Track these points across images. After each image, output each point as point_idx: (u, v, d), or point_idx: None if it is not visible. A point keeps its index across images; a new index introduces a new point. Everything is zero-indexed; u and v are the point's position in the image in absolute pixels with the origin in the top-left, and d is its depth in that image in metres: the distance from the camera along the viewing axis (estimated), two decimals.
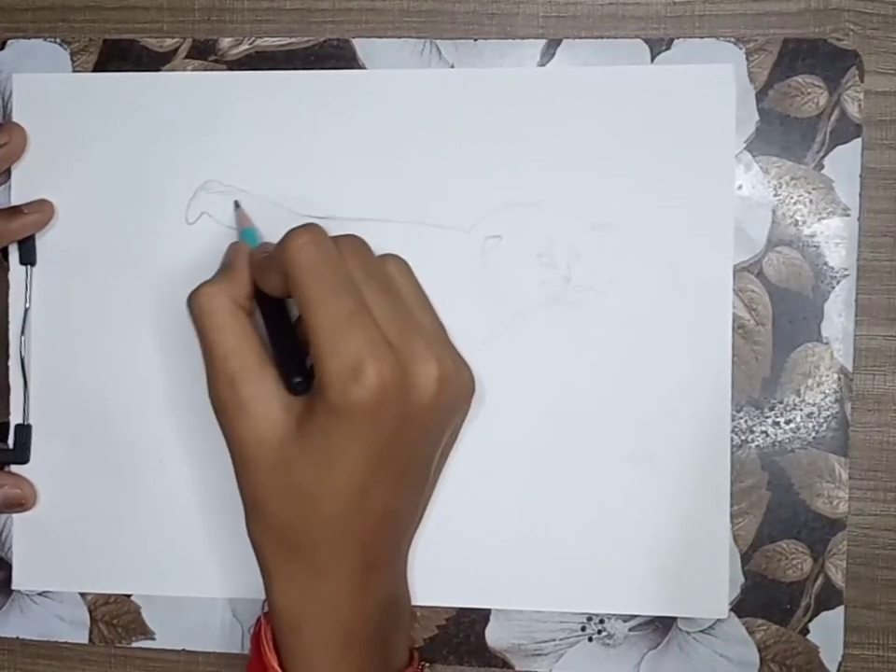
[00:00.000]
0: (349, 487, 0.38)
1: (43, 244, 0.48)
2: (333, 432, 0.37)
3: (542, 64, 0.46)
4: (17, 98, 0.48)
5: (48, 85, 0.48)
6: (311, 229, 0.39)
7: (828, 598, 0.45)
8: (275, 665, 0.41)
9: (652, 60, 0.45)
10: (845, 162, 0.45)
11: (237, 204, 0.46)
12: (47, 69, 0.48)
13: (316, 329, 0.37)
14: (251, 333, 0.40)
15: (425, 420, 0.39)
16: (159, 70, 0.47)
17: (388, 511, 0.40)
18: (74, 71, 0.48)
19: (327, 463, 0.38)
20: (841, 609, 0.45)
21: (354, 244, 0.40)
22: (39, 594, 0.49)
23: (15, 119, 0.48)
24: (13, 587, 0.49)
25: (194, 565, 0.48)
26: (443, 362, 0.39)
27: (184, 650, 0.49)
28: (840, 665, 0.46)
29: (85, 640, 0.49)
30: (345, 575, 0.40)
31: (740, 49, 0.45)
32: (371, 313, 0.38)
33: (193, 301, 0.41)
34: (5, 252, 0.48)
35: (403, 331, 0.38)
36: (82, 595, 0.49)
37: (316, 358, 0.37)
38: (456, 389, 0.40)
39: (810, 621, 0.46)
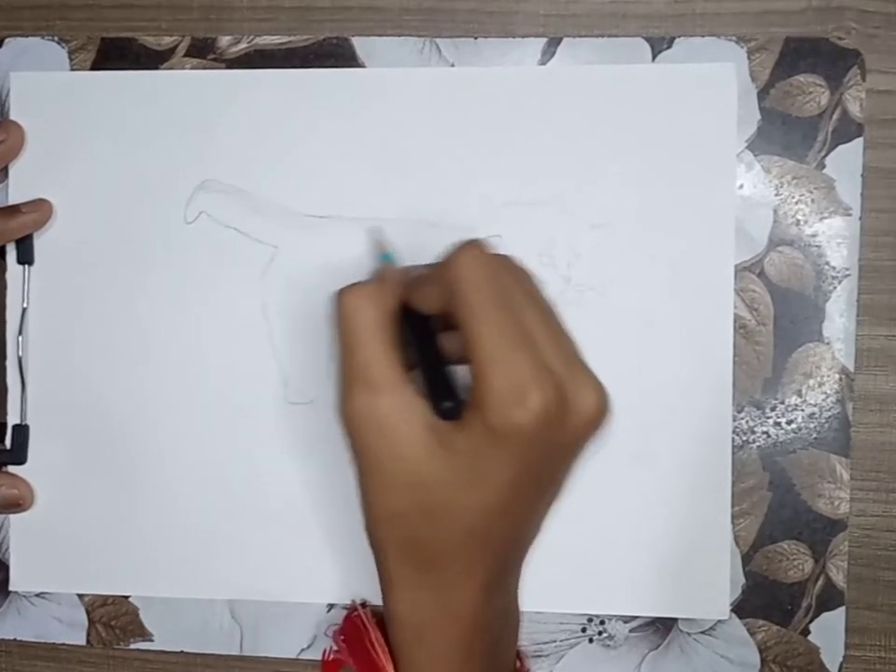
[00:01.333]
0: (493, 507, 0.37)
1: (41, 243, 0.48)
2: (487, 454, 0.36)
3: (543, 63, 0.46)
4: (14, 96, 0.48)
5: (45, 83, 0.48)
6: (479, 244, 0.38)
7: (829, 599, 0.45)
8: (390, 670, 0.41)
9: (654, 58, 0.45)
10: (846, 162, 0.45)
11: (375, 232, 0.46)
12: (44, 67, 0.48)
13: (481, 348, 0.36)
14: (397, 347, 0.38)
15: (577, 445, 0.38)
16: (157, 68, 0.47)
17: (524, 527, 0.40)
18: (72, 69, 0.48)
19: (474, 483, 0.37)
20: (842, 609, 0.45)
21: (512, 263, 0.39)
22: (37, 595, 0.49)
23: (13, 117, 0.48)
24: (10, 588, 0.49)
25: (193, 566, 0.48)
26: (602, 390, 0.37)
27: (182, 651, 0.48)
28: (841, 665, 0.45)
29: (83, 642, 0.49)
30: (474, 588, 0.39)
31: (742, 47, 0.45)
32: (533, 337, 0.37)
33: (342, 299, 0.39)
34: (2, 251, 0.48)
35: (564, 357, 0.37)
36: (80, 596, 0.49)
37: (478, 377, 0.36)
38: (608, 414, 0.38)
39: (811, 622, 0.45)
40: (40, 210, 0.47)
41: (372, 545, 0.40)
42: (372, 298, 0.39)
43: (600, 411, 0.37)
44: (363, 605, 0.45)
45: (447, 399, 0.38)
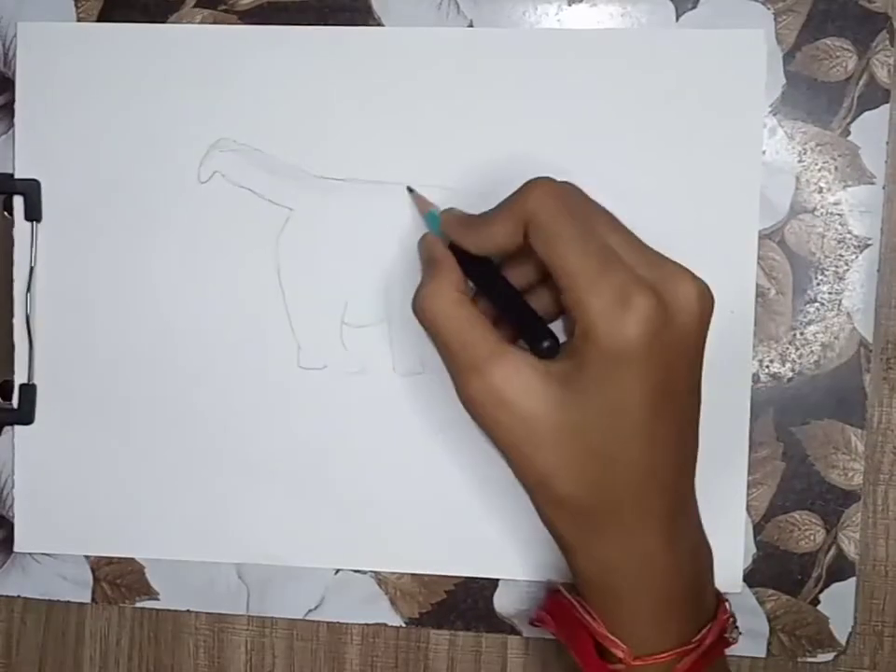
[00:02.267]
0: (640, 435, 0.37)
1: (49, 199, 0.47)
2: (610, 378, 0.36)
3: (563, 19, 0.45)
4: (21, 47, 0.47)
5: (51, 34, 0.46)
6: (550, 182, 0.38)
7: (840, 570, 0.45)
8: (606, 633, 0.40)
9: (677, 19, 0.44)
10: (872, 129, 0.44)
11: (411, 189, 0.45)
12: (50, 17, 0.47)
13: (572, 272, 0.36)
14: (479, 317, 0.39)
15: (694, 343, 0.38)
16: (166, 19, 0.46)
17: (679, 450, 0.39)
18: (78, 19, 0.46)
19: (610, 415, 0.36)
20: (853, 580, 0.45)
21: (580, 190, 0.39)
22: (42, 552, 0.49)
23: (19, 68, 0.46)
24: (15, 550, 0.48)
25: (200, 529, 0.47)
26: (698, 280, 0.37)
27: (188, 610, 0.48)
28: (850, 636, 0.46)
29: (88, 600, 0.49)
30: (655, 528, 0.38)
31: (768, 9, 0.44)
32: (618, 255, 0.37)
33: (417, 308, 0.39)
34: (9, 207, 0.47)
35: (652, 262, 0.37)
36: (86, 555, 0.48)
37: (576, 302, 0.36)
38: (712, 302, 0.38)
39: (821, 592, 0.45)
40: None
41: (543, 518, 0.40)
42: (440, 288, 0.39)
43: (703, 299, 0.37)
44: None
45: (543, 338, 0.38)
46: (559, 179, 0.38)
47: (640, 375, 0.36)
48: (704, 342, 0.38)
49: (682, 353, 0.37)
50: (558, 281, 0.36)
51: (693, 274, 0.37)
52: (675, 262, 0.37)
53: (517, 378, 0.37)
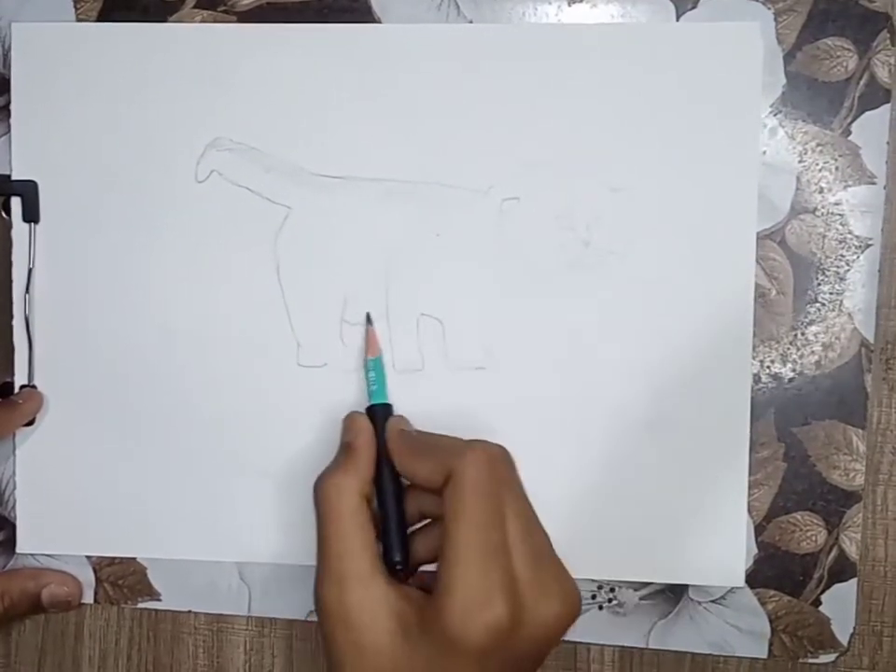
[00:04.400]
0: None
1: (47, 201, 0.47)
2: (441, 657, 0.37)
3: (563, 19, 0.45)
4: (16, 48, 0.46)
5: (49, 35, 0.46)
6: (490, 450, 0.39)
7: (841, 571, 0.45)
8: None
9: (678, 19, 0.44)
10: (872, 129, 0.44)
11: (369, 319, 0.46)
12: (49, 17, 0.46)
13: (457, 551, 0.37)
14: (369, 531, 0.40)
15: (539, 653, 0.39)
16: (166, 19, 0.46)
17: None
18: (77, 20, 0.46)
19: None
20: (854, 581, 0.45)
21: (508, 458, 0.40)
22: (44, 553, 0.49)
23: (14, 70, 0.46)
24: (17, 551, 0.48)
25: (201, 529, 0.47)
26: (567, 599, 0.38)
27: (190, 611, 0.48)
28: (851, 636, 0.46)
29: (90, 600, 0.49)
30: None
31: (769, 9, 0.44)
32: (508, 547, 0.38)
33: (320, 489, 0.41)
34: (7, 208, 0.47)
35: (534, 564, 0.38)
36: (87, 555, 0.48)
37: (447, 580, 0.37)
38: (573, 620, 0.39)
39: (822, 593, 0.45)
40: (34, 399, 0.47)
41: None
42: (350, 485, 0.40)
43: (561, 619, 0.38)
44: None
45: (398, 556, 0.41)
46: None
47: (472, 667, 0.37)
48: (548, 652, 0.39)
49: (526, 659, 0.38)
50: (443, 541, 0.38)
51: (563, 593, 0.38)
52: (559, 567, 0.39)
53: (371, 610, 0.38)
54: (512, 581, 0.37)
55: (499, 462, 0.39)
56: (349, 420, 0.44)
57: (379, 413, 0.44)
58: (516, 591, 0.37)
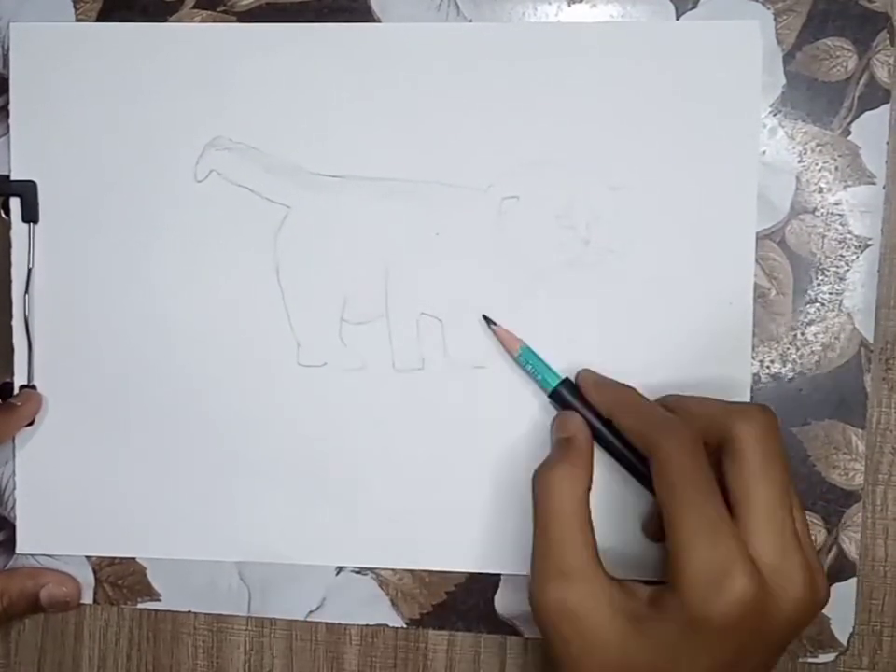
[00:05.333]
0: None
1: (45, 200, 0.47)
2: (684, 640, 0.36)
3: (562, 20, 0.45)
4: (15, 48, 0.46)
5: (48, 35, 0.46)
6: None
7: (841, 570, 0.45)
8: None
9: (678, 19, 0.44)
10: (872, 129, 0.44)
11: (489, 321, 0.45)
12: (48, 17, 0.46)
13: (682, 526, 0.36)
14: (588, 526, 0.39)
15: (783, 636, 0.38)
16: (165, 20, 0.46)
17: None
18: (77, 20, 0.46)
19: (667, 668, 0.36)
20: (853, 581, 0.45)
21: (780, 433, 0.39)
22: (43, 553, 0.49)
23: (13, 70, 0.46)
24: (17, 552, 0.48)
25: (201, 528, 0.47)
26: (812, 587, 0.37)
27: (190, 611, 0.48)
28: (851, 636, 0.46)
29: (90, 601, 0.49)
30: None
31: (768, 9, 0.44)
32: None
33: (544, 480, 0.40)
34: (6, 208, 0.47)
35: (777, 546, 0.37)
36: (87, 555, 0.48)
37: (676, 558, 0.36)
38: (816, 611, 0.38)
39: None
40: (33, 400, 0.47)
41: None
42: (576, 479, 0.39)
43: (808, 606, 0.37)
44: None
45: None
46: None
47: (713, 646, 0.36)
48: (793, 637, 0.38)
49: (768, 640, 0.37)
50: (673, 520, 0.37)
51: (807, 582, 0.37)
52: (800, 563, 0.37)
53: (596, 602, 0.37)
54: (749, 558, 0.36)
55: (778, 429, 0.39)
56: (564, 417, 0.43)
57: (567, 391, 0.44)
58: (754, 571, 0.36)
